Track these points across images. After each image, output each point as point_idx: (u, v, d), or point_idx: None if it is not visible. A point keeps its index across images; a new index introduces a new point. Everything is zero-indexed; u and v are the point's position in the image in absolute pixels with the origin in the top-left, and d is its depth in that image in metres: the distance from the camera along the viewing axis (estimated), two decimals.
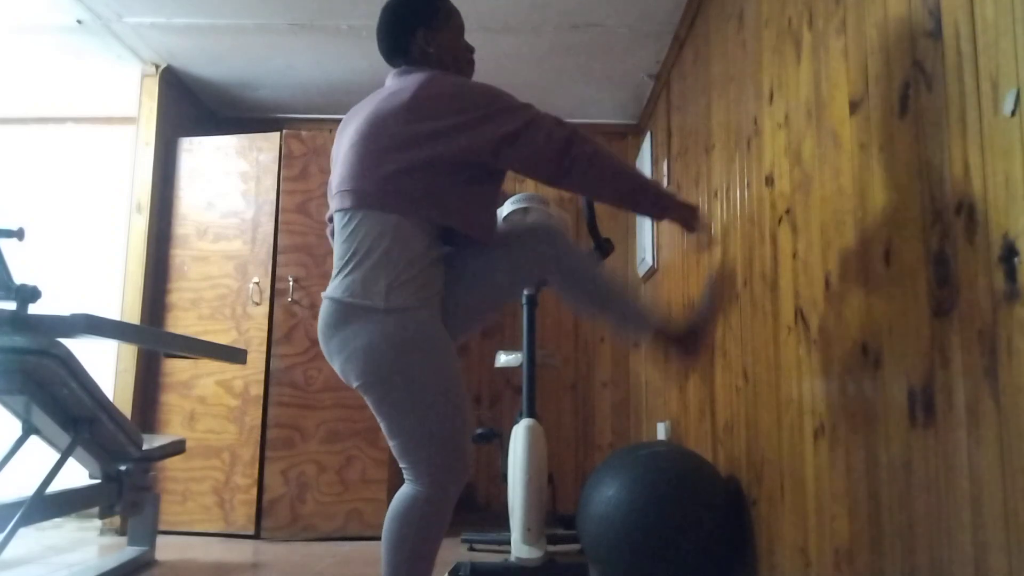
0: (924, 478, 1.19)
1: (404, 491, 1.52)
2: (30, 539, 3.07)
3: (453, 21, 1.69)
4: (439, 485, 1.50)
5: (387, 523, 1.52)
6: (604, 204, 1.78)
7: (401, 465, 1.53)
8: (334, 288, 1.57)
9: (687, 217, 1.63)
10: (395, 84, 1.62)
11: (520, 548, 2.49)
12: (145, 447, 2.49)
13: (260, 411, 3.30)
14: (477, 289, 1.61)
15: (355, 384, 1.53)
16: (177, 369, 3.40)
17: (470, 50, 1.74)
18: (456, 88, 1.54)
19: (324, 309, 1.57)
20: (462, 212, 1.55)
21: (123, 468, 2.46)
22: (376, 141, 1.52)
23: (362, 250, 1.54)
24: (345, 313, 1.52)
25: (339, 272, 1.58)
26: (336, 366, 1.56)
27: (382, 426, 1.54)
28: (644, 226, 3.72)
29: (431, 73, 1.57)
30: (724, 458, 2.34)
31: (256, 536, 3.21)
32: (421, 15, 1.65)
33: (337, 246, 1.63)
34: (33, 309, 1.95)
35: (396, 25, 1.66)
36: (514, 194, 3.05)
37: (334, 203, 1.62)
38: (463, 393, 1.54)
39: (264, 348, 3.33)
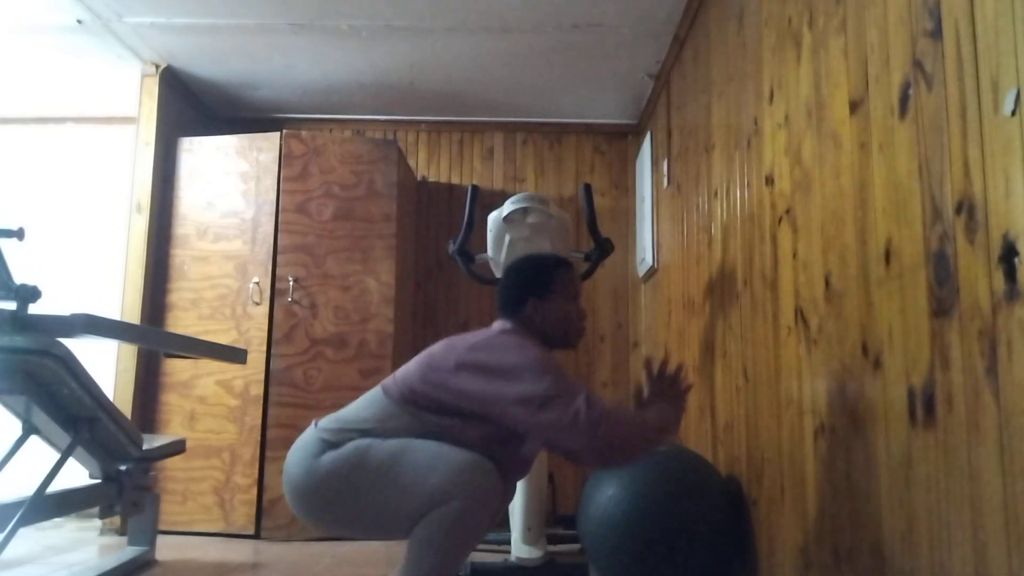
0: (924, 478, 1.19)
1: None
2: (30, 539, 3.07)
3: (567, 290, 1.81)
4: (457, 498, 1.51)
5: (419, 525, 1.53)
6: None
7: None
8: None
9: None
10: (485, 330, 1.76)
11: (520, 548, 2.49)
12: (145, 447, 2.49)
13: (260, 411, 3.30)
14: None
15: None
16: (177, 369, 3.40)
17: (581, 316, 1.84)
18: (502, 347, 1.64)
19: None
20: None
21: (123, 468, 2.46)
22: (431, 359, 1.66)
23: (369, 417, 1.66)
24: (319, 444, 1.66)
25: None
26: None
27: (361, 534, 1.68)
28: (644, 226, 3.73)
29: (500, 334, 1.71)
30: (724, 458, 2.34)
31: (256, 536, 3.21)
32: (534, 286, 1.79)
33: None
34: (33, 309, 1.94)
35: (512, 289, 1.80)
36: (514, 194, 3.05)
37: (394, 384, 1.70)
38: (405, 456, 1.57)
39: (264, 348, 3.33)
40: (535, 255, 1.90)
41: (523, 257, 1.90)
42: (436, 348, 1.68)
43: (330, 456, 1.57)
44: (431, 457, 1.54)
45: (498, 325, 1.79)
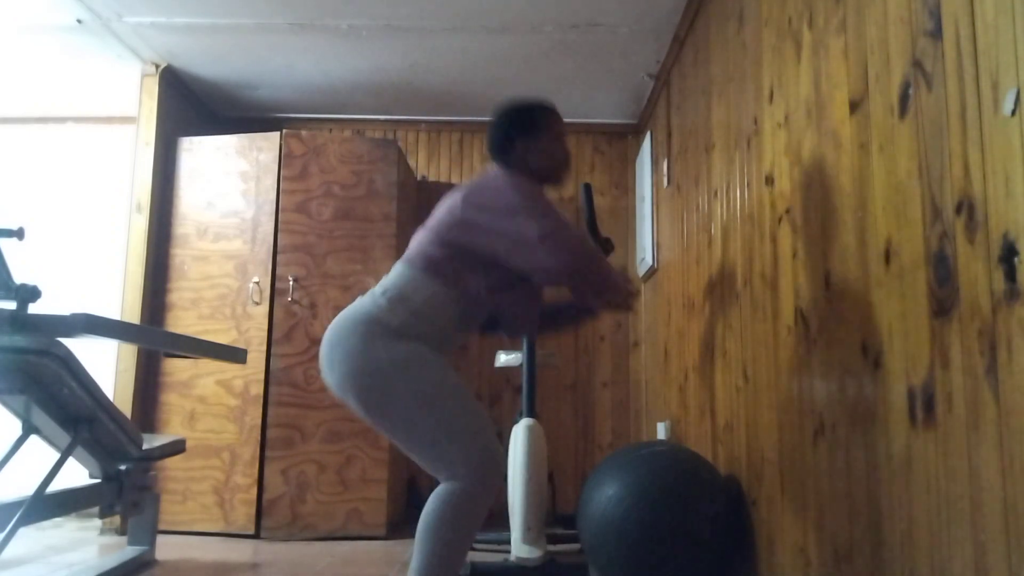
0: (924, 478, 1.19)
1: (441, 488, 1.61)
2: (30, 539, 3.07)
3: (552, 129, 1.88)
4: (473, 478, 1.57)
5: (423, 517, 1.59)
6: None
7: (436, 473, 1.63)
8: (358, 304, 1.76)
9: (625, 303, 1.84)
10: (476, 177, 1.80)
11: (520, 547, 2.49)
12: (145, 447, 2.49)
13: (260, 411, 3.30)
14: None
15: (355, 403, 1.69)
16: (177, 369, 3.40)
17: (567, 152, 1.92)
18: (499, 184, 1.70)
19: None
20: (490, 307, 1.78)
21: (123, 468, 2.46)
22: (439, 221, 1.73)
23: (396, 287, 1.72)
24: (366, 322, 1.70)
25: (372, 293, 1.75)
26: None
27: (403, 446, 1.66)
28: (644, 226, 3.73)
29: (495, 173, 1.75)
30: (724, 458, 2.34)
31: (256, 536, 3.21)
32: (521, 126, 1.85)
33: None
34: (33, 309, 1.95)
35: (498, 133, 1.87)
36: None
37: (412, 253, 1.78)
38: (468, 394, 1.66)
39: (264, 348, 3.33)
40: (521, 98, 1.96)
41: (510, 100, 1.95)
42: (439, 209, 1.75)
43: (390, 345, 1.62)
44: (465, 423, 1.60)
45: (491, 168, 1.83)
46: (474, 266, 1.70)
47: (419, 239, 1.76)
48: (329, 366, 1.65)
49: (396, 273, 1.73)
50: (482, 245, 1.67)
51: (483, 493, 1.58)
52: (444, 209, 1.73)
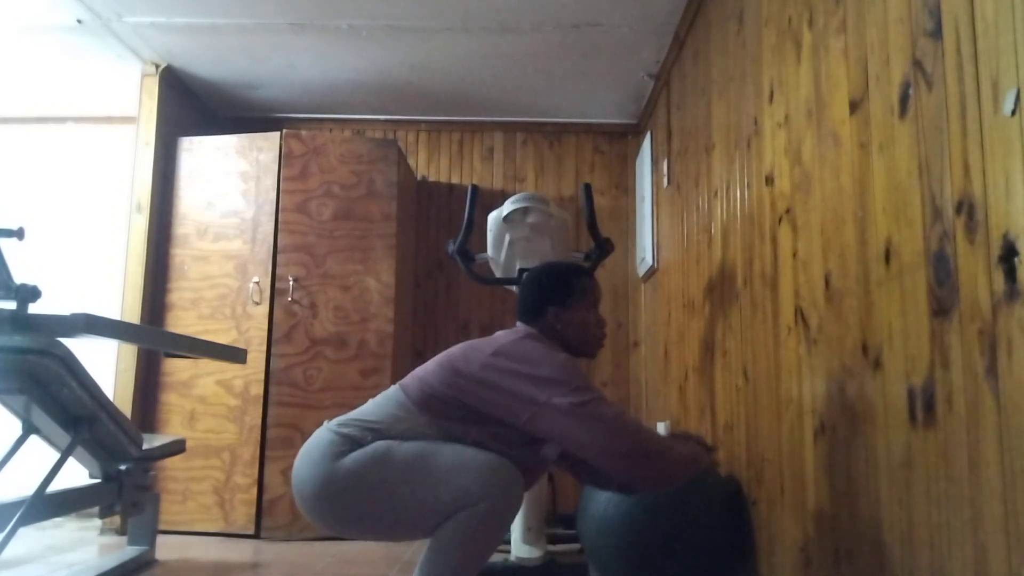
0: (924, 478, 1.19)
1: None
2: (30, 539, 3.07)
3: (587, 299, 1.81)
4: (490, 497, 1.50)
5: (445, 527, 1.51)
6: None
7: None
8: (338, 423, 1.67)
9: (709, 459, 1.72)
10: (506, 333, 1.73)
11: (520, 548, 2.49)
12: (145, 447, 2.48)
13: (260, 411, 3.30)
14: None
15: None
16: (177, 369, 3.40)
17: (600, 325, 1.83)
18: (530, 350, 1.63)
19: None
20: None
21: (123, 468, 2.46)
22: (452, 362, 1.64)
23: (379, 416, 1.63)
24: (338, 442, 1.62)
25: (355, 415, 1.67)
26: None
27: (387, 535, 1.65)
28: (644, 226, 3.73)
29: (524, 338, 1.68)
30: (724, 458, 2.34)
31: (256, 536, 3.21)
32: (556, 294, 1.78)
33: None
34: (33, 309, 1.94)
35: (534, 296, 1.79)
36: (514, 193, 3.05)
37: (412, 385, 1.68)
38: (429, 451, 1.56)
39: (264, 348, 3.33)
40: (557, 263, 1.89)
41: (545, 264, 1.90)
42: (456, 352, 1.66)
43: (353, 456, 1.54)
44: (459, 457, 1.53)
45: (521, 329, 1.77)
46: (471, 420, 1.59)
47: (418, 377, 1.66)
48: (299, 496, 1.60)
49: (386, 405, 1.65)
50: (497, 407, 1.57)
51: (508, 505, 1.52)
52: (459, 358, 1.63)
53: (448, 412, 1.59)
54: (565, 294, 1.78)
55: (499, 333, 1.74)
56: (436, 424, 1.59)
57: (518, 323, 1.82)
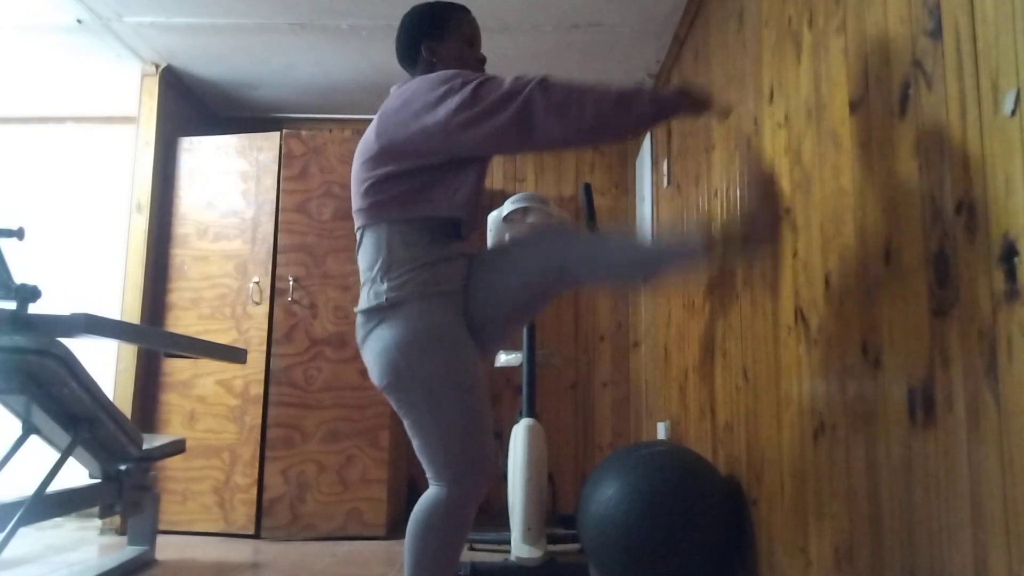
0: (924, 478, 1.19)
1: (427, 494, 1.54)
2: (30, 539, 3.07)
3: (461, 31, 1.70)
4: (458, 484, 1.51)
5: (410, 525, 1.53)
6: (607, 143, 1.69)
7: (424, 466, 1.55)
8: (359, 303, 1.61)
9: (691, 103, 1.51)
10: (390, 98, 1.64)
11: (520, 547, 2.49)
12: (145, 447, 2.49)
13: (260, 411, 3.30)
14: (493, 298, 1.58)
15: (379, 388, 1.57)
16: (177, 369, 3.40)
17: (480, 60, 1.73)
18: (415, 86, 1.54)
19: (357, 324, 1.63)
20: (434, 201, 1.55)
21: (123, 468, 2.46)
22: (360, 158, 1.60)
23: (369, 262, 1.58)
24: (364, 321, 1.57)
25: (361, 287, 1.62)
26: (371, 376, 1.59)
27: (405, 425, 1.57)
28: (644, 226, 3.73)
29: (402, 85, 1.60)
30: (724, 458, 2.34)
31: (256, 536, 3.21)
32: (427, 27, 1.68)
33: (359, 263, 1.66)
34: (33, 309, 1.95)
35: (405, 37, 1.70)
36: (513, 194, 3.05)
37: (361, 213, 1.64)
38: (480, 390, 1.54)
39: (264, 348, 3.33)
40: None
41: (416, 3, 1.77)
42: (358, 149, 1.62)
43: (408, 322, 1.50)
44: (460, 426, 1.50)
45: (397, 85, 1.67)
46: (424, 183, 1.52)
47: (354, 199, 1.61)
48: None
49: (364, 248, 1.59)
50: (417, 154, 1.51)
51: (467, 499, 1.52)
52: (362, 146, 1.58)
53: (389, 201, 1.54)
54: (436, 27, 1.67)
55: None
56: (395, 221, 1.53)
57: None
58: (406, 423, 1.56)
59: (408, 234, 1.54)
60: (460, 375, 1.51)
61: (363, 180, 1.57)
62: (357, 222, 1.62)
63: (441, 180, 1.56)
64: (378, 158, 1.55)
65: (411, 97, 1.53)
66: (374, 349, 1.54)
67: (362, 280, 1.61)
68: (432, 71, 1.64)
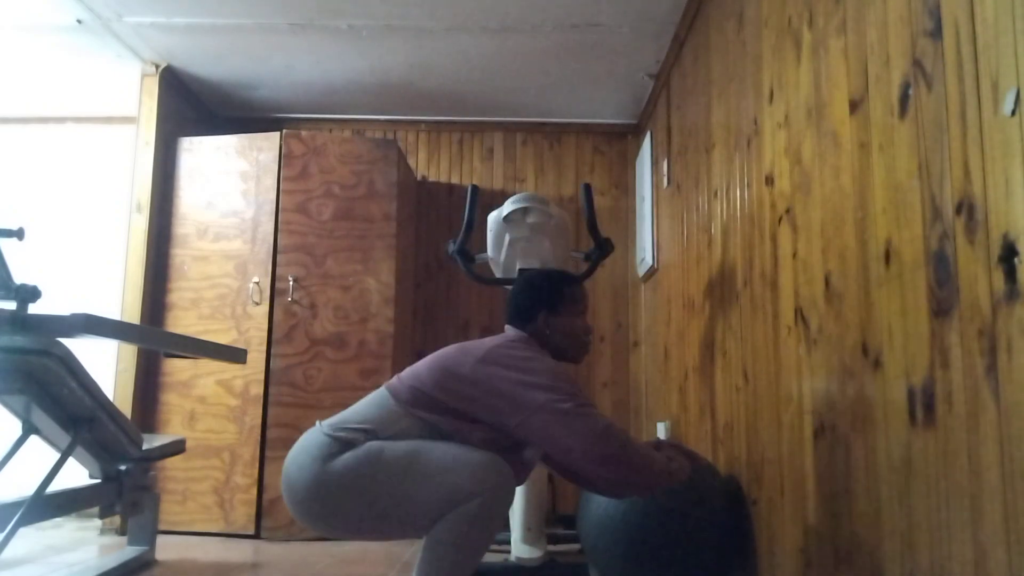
0: (924, 478, 1.19)
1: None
2: (30, 539, 3.07)
3: (577, 306, 1.86)
4: (482, 494, 1.52)
5: (437, 528, 1.52)
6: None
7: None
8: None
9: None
10: (498, 337, 1.76)
11: (520, 548, 2.49)
12: (145, 447, 2.48)
13: (260, 411, 3.30)
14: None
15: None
16: (177, 369, 3.40)
17: (587, 332, 1.89)
18: (520, 356, 1.65)
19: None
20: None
21: (123, 468, 2.46)
22: (444, 364, 1.66)
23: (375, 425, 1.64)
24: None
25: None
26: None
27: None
28: (644, 226, 3.73)
29: (515, 342, 1.72)
30: (724, 458, 2.34)
31: (256, 536, 3.21)
32: (547, 299, 1.83)
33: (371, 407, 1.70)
34: (33, 309, 1.94)
35: (526, 300, 1.83)
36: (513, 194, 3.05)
37: (401, 386, 1.69)
38: (420, 451, 1.57)
39: (264, 348, 3.33)
40: (548, 270, 1.94)
41: (536, 271, 1.94)
42: (449, 352, 1.68)
43: (345, 457, 1.55)
44: (451, 455, 1.55)
45: (512, 334, 1.79)
46: (460, 422, 1.62)
47: (407, 379, 1.67)
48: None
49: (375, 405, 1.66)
50: (487, 410, 1.60)
51: (500, 502, 1.54)
52: (451, 359, 1.65)
53: (437, 413, 1.61)
54: (556, 300, 1.82)
55: (490, 337, 1.76)
56: (425, 425, 1.61)
57: (507, 327, 1.84)
58: (379, 528, 1.61)
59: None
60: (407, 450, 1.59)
61: (427, 385, 1.64)
62: (398, 397, 1.66)
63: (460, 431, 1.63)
64: (451, 382, 1.63)
65: (517, 361, 1.63)
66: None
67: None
68: (543, 339, 1.80)
